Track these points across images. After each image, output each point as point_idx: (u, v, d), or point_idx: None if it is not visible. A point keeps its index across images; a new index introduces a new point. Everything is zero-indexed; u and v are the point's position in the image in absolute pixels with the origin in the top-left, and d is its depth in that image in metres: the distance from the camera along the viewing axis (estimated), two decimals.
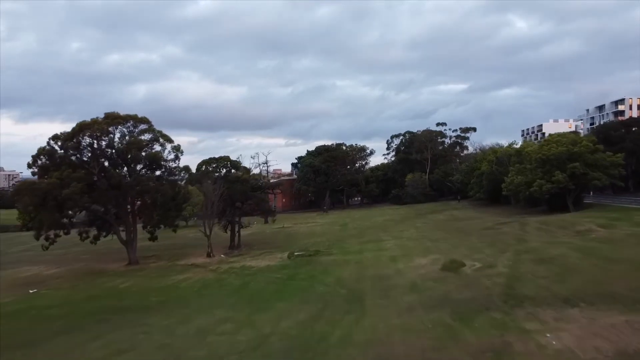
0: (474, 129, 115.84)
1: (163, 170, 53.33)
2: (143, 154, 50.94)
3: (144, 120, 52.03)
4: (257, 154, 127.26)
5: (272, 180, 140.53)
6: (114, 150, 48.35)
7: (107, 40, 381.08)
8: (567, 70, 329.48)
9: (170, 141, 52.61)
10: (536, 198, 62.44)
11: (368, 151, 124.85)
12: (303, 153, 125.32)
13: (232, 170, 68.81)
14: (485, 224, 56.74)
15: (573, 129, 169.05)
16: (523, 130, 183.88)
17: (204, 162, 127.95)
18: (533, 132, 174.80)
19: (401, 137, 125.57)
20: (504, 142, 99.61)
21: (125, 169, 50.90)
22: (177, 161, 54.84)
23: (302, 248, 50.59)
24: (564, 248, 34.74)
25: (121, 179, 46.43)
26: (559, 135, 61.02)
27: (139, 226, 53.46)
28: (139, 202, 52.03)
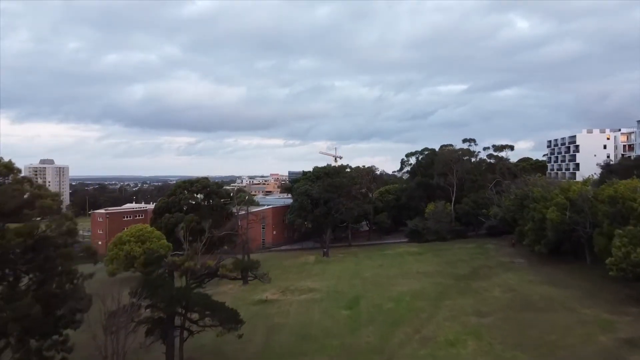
0: (511, 147, 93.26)
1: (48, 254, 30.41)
2: None
3: (9, 168, 29.13)
4: (233, 187, 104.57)
5: (259, 192, 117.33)
6: None
7: (105, 40, 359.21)
8: (567, 71, 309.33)
9: (56, 214, 29.67)
10: None
11: (378, 172, 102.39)
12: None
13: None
14: (594, 337, 34.00)
15: (612, 141, 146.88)
16: (550, 142, 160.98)
17: (177, 185, 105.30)
18: (564, 144, 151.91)
19: (417, 155, 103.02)
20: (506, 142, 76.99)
21: None
22: (73, 237, 32.01)
23: None
24: None
25: None
26: None
27: None
28: None
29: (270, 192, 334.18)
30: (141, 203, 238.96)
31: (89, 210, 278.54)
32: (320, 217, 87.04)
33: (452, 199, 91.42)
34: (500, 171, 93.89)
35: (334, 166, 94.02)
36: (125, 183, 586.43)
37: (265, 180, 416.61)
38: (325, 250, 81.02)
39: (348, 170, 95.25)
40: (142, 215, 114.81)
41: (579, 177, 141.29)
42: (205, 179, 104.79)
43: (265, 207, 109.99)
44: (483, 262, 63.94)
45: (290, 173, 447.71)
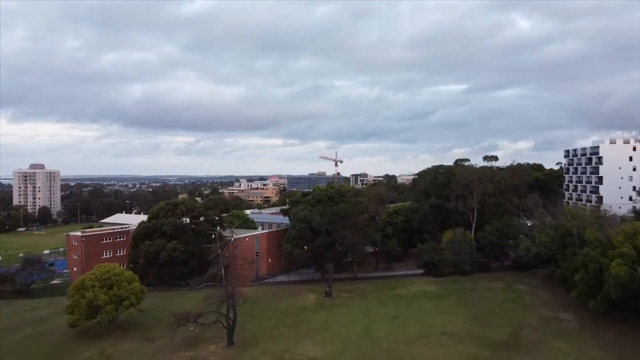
0: (539, 166, 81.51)
1: None
2: None
3: None
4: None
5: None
6: None
7: (103, 39, 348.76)
8: (568, 71, 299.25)
9: None
10: None
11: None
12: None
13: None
14: None
15: (639, 151, 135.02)
16: (569, 151, 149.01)
17: (160, 207, 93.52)
18: (584, 155, 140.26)
19: (431, 174, 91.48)
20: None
21: None
22: None
23: None
24: None
25: None
26: None
27: None
28: None
29: (268, 197, 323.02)
30: (132, 213, 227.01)
31: (81, 216, 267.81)
32: (321, 248, 75.73)
33: (472, 225, 79.99)
34: (525, 193, 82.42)
35: (337, 188, 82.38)
36: (124, 184, 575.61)
37: (264, 185, 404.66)
38: (327, 290, 69.43)
39: (352, 188, 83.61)
40: (123, 237, 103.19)
41: (602, 191, 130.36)
42: (192, 200, 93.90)
43: (260, 230, 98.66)
44: (521, 317, 52.44)
45: (289, 177, 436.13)
